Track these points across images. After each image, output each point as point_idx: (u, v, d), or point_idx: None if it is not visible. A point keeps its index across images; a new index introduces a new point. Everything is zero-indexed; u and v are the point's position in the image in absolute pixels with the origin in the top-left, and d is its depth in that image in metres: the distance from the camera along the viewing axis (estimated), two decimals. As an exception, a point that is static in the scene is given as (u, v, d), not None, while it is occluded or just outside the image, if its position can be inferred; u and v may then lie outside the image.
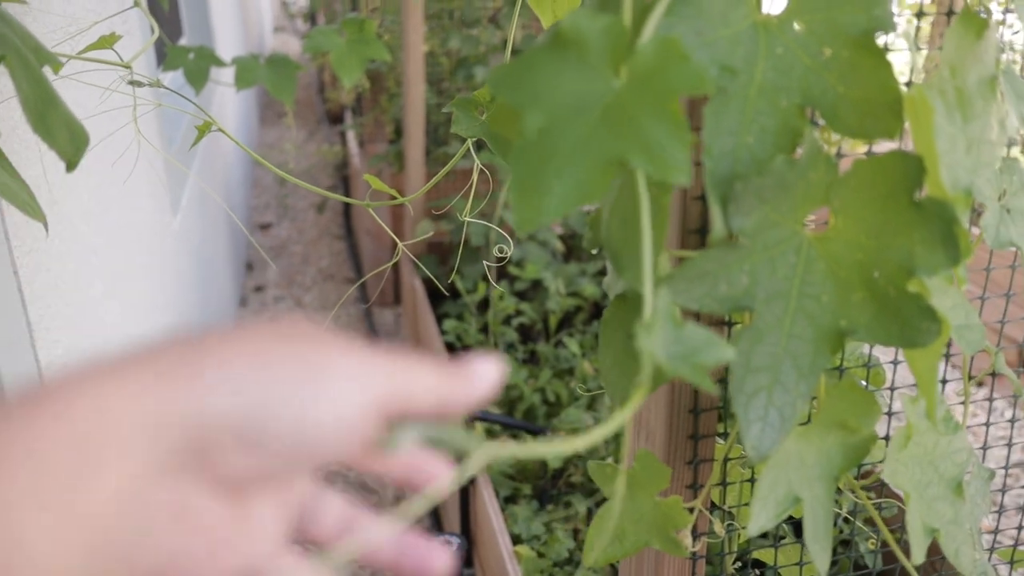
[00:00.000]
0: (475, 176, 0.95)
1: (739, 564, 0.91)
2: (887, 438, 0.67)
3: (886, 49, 0.49)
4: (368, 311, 2.94)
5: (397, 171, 2.62)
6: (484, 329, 2.16)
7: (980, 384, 2.25)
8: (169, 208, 1.88)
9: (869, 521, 1.02)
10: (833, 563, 1.03)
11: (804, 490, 0.55)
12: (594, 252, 0.64)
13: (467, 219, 0.98)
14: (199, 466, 0.28)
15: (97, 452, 0.26)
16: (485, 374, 0.34)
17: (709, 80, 0.42)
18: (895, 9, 0.48)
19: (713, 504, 0.70)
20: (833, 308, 0.50)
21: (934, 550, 0.81)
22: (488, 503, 1.43)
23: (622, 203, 0.50)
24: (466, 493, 1.54)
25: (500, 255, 1.95)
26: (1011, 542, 0.91)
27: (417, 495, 0.33)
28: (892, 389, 0.76)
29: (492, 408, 1.80)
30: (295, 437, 0.29)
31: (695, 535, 0.64)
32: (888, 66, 0.47)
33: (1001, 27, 0.46)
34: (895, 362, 0.71)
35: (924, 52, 0.60)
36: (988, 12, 0.54)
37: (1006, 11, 0.65)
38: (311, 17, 5.23)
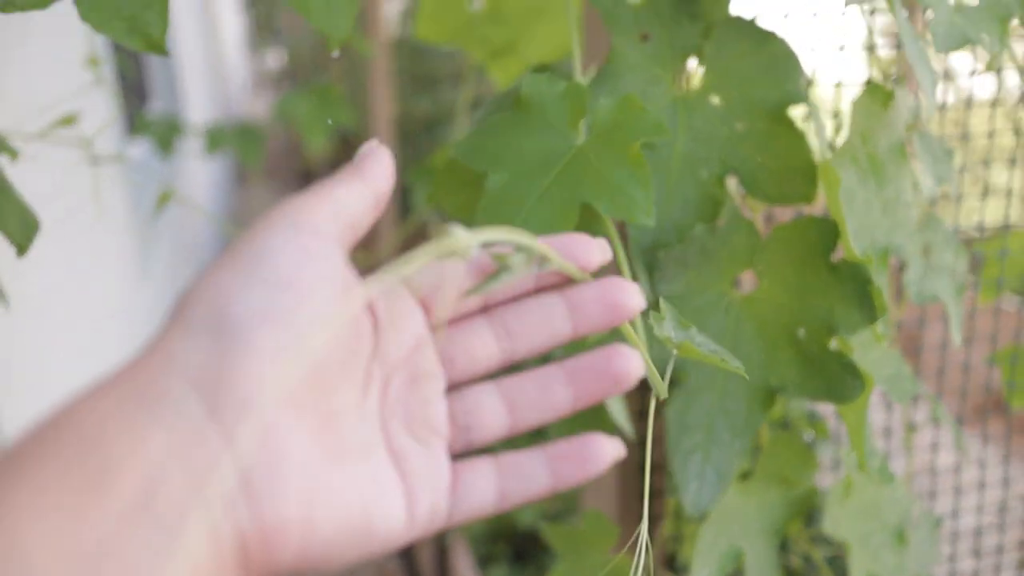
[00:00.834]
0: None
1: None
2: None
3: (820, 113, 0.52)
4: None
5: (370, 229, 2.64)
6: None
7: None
8: (140, 275, 1.89)
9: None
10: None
11: (746, 544, 0.57)
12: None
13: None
14: (223, 393, 0.27)
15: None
16: (374, 162, 0.34)
17: (665, 127, 0.44)
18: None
19: (671, 558, 0.71)
20: (763, 366, 0.51)
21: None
22: (464, 566, 1.43)
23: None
24: (443, 554, 1.53)
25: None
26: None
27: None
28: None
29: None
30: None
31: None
32: (801, 136, 0.49)
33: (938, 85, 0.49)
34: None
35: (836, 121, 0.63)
36: (898, 81, 0.56)
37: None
38: (288, 76, 5.30)
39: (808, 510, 0.61)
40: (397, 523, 0.30)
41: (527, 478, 0.33)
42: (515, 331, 0.34)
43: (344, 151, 2.88)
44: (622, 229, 0.52)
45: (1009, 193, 0.75)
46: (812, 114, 0.49)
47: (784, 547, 0.67)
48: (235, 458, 0.26)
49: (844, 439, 0.78)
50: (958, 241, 0.59)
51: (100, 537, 0.24)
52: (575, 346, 0.37)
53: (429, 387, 0.33)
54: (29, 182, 1.04)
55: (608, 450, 0.33)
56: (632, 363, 0.33)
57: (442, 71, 2.56)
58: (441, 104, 2.51)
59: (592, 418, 0.60)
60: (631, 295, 0.33)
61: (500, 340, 0.34)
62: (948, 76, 0.77)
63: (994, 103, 0.73)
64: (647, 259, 0.49)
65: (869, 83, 0.50)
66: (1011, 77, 0.70)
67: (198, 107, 3.51)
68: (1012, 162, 0.74)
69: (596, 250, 0.34)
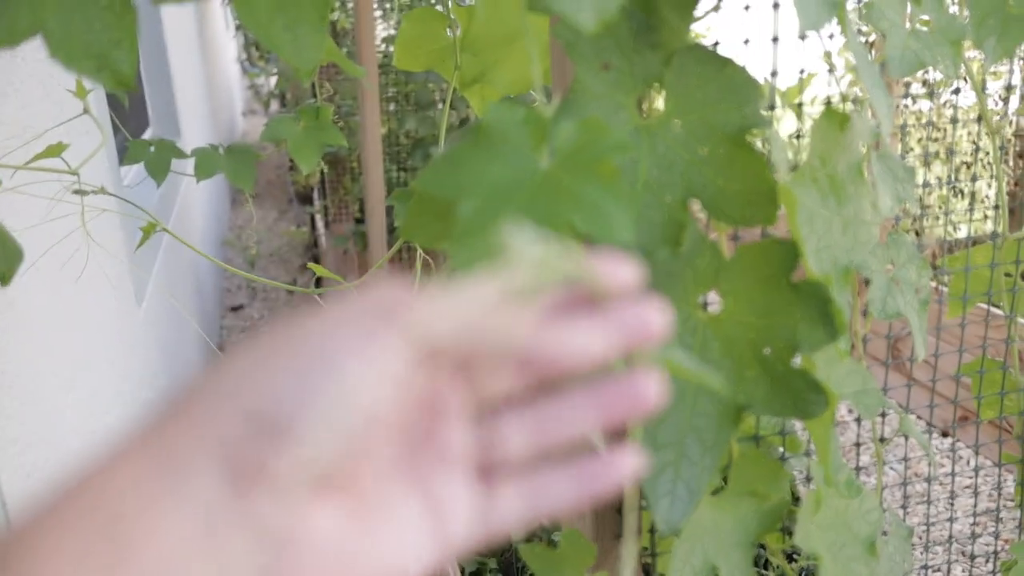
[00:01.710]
0: (419, 263, 0.98)
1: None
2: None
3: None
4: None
5: (362, 250, 2.66)
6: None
7: (945, 435, 2.28)
8: (133, 297, 1.90)
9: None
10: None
11: (720, 558, 0.58)
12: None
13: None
14: (251, 478, 0.26)
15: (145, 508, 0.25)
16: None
17: (630, 144, 0.45)
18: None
19: (646, 572, 0.71)
20: (730, 385, 0.53)
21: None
22: (455, 580, 1.44)
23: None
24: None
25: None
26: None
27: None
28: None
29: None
30: (326, 422, 0.27)
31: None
32: (760, 160, 0.51)
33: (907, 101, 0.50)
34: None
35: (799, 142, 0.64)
36: (856, 104, 0.58)
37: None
38: (281, 98, 5.33)
39: (783, 523, 0.62)
40: (430, 557, 0.30)
41: (553, 494, 0.33)
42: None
43: (334, 172, 2.90)
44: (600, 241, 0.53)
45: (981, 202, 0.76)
46: (771, 137, 0.51)
47: (761, 562, 0.68)
48: (261, 540, 0.26)
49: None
50: (921, 257, 0.60)
51: None
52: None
53: (451, 418, 0.32)
54: (24, 209, 1.06)
55: (629, 465, 0.33)
56: (654, 385, 0.33)
57: (431, 92, 2.59)
58: (430, 124, 2.53)
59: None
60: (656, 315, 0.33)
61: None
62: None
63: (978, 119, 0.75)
64: (612, 282, 0.50)
65: (827, 107, 0.51)
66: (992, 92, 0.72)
67: (195, 132, 3.54)
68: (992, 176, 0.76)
69: (626, 270, 0.33)
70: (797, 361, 0.53)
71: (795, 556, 1.16)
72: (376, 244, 2.43)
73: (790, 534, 0.80)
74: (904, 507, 1.08)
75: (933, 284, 0.61)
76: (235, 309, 3.86)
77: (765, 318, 0.51)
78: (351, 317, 0.29)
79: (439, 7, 0.75)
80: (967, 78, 0.57)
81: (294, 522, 0.27)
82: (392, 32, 2.62)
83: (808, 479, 0.74)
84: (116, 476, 0.26)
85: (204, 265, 3.46)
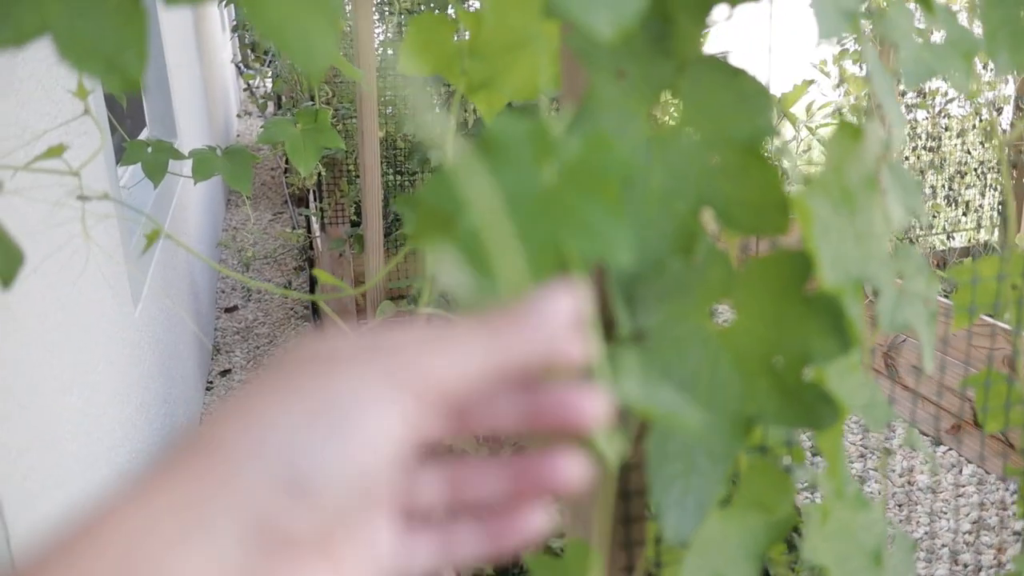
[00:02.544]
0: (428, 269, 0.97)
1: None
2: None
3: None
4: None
5: (358, 252, 2.65)
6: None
7: (939, 444, 2.29)
8: (130, 299, 1.89)
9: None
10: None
11: (730, 571, 0.57)
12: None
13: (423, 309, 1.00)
14: (273, 542, 0.26)
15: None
16: (551, 307, 0.31)
17: (634, 165, 0.45)
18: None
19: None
20: (741, 396, 0.52)
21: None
22: (452, 586, 1.43)
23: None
24: None
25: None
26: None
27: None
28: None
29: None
30: (342, 482, 0.27)
31: (633, 617, 0.66)
32: (773, 170, 0.51)
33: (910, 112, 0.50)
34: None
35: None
36: (874, 113, 0.58)
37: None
38: (277, 100, 5.32)
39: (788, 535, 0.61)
40: None
41: (463, 547, 0.33)
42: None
43: (331, 175, 2.89)
44: (600, 263, 0.53)
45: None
46: (783, 148, 0.51)
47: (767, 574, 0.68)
48: None
49: (819, 461, 0.79)
50: (930, 269, 0.60)
51: None
52: None
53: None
54: (23, 212, 1.05)
55: (539, 525, 0.33)
56: (574, 469, 0.32)
57: (428, 95, 2.58)
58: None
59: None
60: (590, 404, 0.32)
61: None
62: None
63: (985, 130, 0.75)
64: (626, 292, 0.50)
65: (842, 120, 0.51)
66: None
67: (192, 133, 3.53)
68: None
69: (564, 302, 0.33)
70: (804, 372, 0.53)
71: (794, 567, 1.15)
72: (372, 247, 2.42)
73: (790, 546, 0.80)
74: (907, 518, 1.08)
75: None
76: (229, 310, 3.84)
77: (777, 330, 0.51)
78: (362, 364, 0.29)
79: (449, 11, 0.75)
80: (966, 90, 0.57)
81: None
82: (390, 35, 2.62)
83: (810, 490, 0.74)
84: (130, 519, 0.25)
85: (199, 266, 3.44)
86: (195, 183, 1.81)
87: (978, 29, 0.60)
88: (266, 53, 5.31)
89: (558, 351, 0.31)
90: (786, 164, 0.48)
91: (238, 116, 7.22)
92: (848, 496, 0.54)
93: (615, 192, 0.44)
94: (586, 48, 0.49)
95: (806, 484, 0.76)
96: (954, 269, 0.70)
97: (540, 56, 0.67)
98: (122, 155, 1.79)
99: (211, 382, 3.18)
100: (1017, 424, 0.74)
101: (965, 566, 1.70)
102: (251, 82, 5.54)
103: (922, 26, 0.54)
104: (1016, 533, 1.88)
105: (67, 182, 1.06)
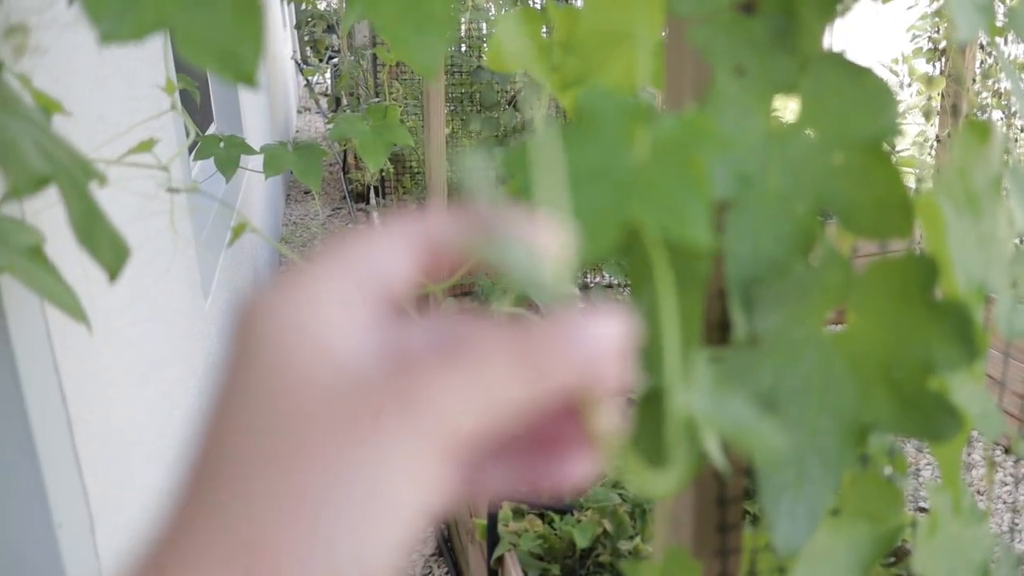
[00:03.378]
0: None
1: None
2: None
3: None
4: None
5: (421, 249, 2.66)
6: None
7: (1007, 451, 2.22)
8: (200, 291, 1.92)
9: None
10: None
11: (835, 582, 0.56)
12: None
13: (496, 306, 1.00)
14: None
15: None
16: (596, 330, 0.25)
17: (731, 141, 0.43)
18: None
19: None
20: (856, 403, 0.51)
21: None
22: (518, 585, 1.43)
23: (650, 300, 0.52)
24: (494, 574, 1.53)
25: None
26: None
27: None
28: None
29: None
30: (360, 563, 0.24)
31: (728, 626, 0.65)
32: (895, 170, 0.49)
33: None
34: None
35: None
36: (996, 113, 0.56)
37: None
38: (336, 99, 5.37)
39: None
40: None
41: (499, 480, 0.29)
42: None
43: (394, 174, 2.91)
44: (718, 264, 0.51)
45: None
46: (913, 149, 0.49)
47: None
48: None
49: (920, 473, 0.77)
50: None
51: None
52: None
53: None
54: (112, 206, 1.07)
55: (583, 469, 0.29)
56: (579, 469, 0.29)
57: (495, 93, 2.58)
58: (494, 125, 2.53)
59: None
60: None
61: None
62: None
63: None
64: (743, 294, 0.49)
65: (971, 118, 0.49)
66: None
67: (257, 129, 3.57)
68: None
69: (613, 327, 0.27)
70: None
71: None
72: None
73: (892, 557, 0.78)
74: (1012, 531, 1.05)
75: None
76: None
77: (897, 336, 0.49)
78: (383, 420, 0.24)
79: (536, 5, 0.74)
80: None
81: None
82: (459, 32, 2.62)
83: (915, 501, 0.72)
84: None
85: (262, 260, 3.49)
86: (266, 178, 1.83)
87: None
88: (326, 49, 5.37)
89: (599, 379, 0.26)
90: (919, 165, 0.46)
91: (297, 112, 7.31)
92: (964, 509, 0.52)
93: (703, 171, 0.42)
94: (709, 44, 0.48)
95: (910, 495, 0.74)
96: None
97: (638, 52, 0.66)
98: (195, 150, 1.82)
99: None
100: None
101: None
102: (310, 78, 5.61)
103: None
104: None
105: (150, 176, 1.07)
